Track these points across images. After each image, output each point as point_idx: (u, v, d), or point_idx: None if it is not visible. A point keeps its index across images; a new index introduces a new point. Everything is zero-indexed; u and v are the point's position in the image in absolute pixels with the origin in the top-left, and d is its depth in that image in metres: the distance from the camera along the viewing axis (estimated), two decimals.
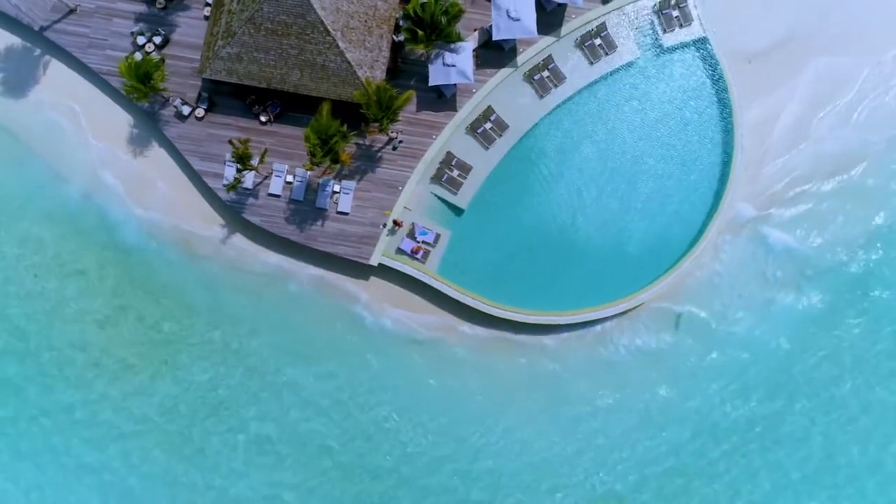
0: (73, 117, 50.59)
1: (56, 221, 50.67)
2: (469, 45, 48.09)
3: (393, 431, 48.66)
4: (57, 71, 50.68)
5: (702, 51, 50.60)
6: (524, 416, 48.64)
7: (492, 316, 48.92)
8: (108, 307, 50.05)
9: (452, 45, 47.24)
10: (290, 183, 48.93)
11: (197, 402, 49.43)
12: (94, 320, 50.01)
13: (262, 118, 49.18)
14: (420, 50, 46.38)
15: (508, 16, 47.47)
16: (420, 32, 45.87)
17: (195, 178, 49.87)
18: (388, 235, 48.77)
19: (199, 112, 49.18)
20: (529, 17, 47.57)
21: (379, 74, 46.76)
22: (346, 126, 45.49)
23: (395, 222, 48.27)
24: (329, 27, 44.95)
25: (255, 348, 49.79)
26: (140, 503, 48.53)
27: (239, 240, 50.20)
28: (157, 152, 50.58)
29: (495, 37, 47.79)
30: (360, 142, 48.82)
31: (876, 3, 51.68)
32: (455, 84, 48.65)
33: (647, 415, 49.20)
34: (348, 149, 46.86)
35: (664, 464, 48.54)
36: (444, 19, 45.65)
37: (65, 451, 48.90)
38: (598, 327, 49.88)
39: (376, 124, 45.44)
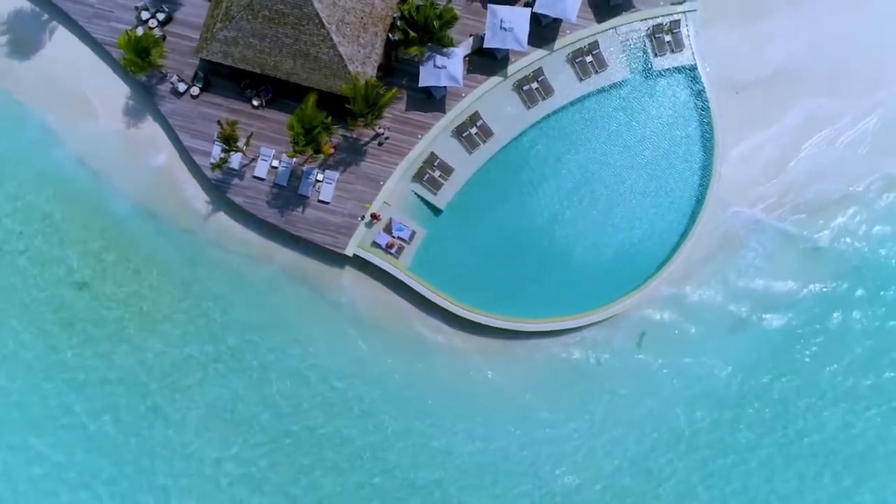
0: (74, 84, 51.92)
1: (48, 183, 51.99)
2: (461, 50, 49.14)
3: (349, 410, 49.95)
4: (61, 37, 52.02)
5: (691, 77, 51.43)
6: (475, 415, 49.65)
7: (458, 316, 49.96)
8: (89, 271, 51.37)
9: (444, 49, 48.29)
10: (275, 168, 50.15)
11: (162, 369, 50.56)
12: (73, 282, 51.37)
13: (255, 102, 50.43)
14: (413, 51, 47.39)
15: (502, 26, 48.49)
16: (413, 34, 46.94)
17: (184, 154, 51.18)
18: (365, 227, 49.89)
19: (195, 90, 50.47)
20: (522, 29, 48.55)
21: (370, 71, 47.89)
22: (330, 118, 46.66)
23: (373, 215, 49.42)
24: (324, 20, 46.09)
25: (226, 323, 50.97)
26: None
27: (221, 218, 51.48)
28: (151, 126, 51.92)
29: (486, 45, 48.84)
30: (347, 134, 49.97)
31: (869, 49, 52.13)
32: (445, 87, 49.67)
33: (597, 426, 50.20)
34: (331, 140, 47.98)
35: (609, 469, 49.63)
36: (437, 23, 46.71)
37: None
38: (562, 338, 50.74)
39: (361, 119, 46.49)
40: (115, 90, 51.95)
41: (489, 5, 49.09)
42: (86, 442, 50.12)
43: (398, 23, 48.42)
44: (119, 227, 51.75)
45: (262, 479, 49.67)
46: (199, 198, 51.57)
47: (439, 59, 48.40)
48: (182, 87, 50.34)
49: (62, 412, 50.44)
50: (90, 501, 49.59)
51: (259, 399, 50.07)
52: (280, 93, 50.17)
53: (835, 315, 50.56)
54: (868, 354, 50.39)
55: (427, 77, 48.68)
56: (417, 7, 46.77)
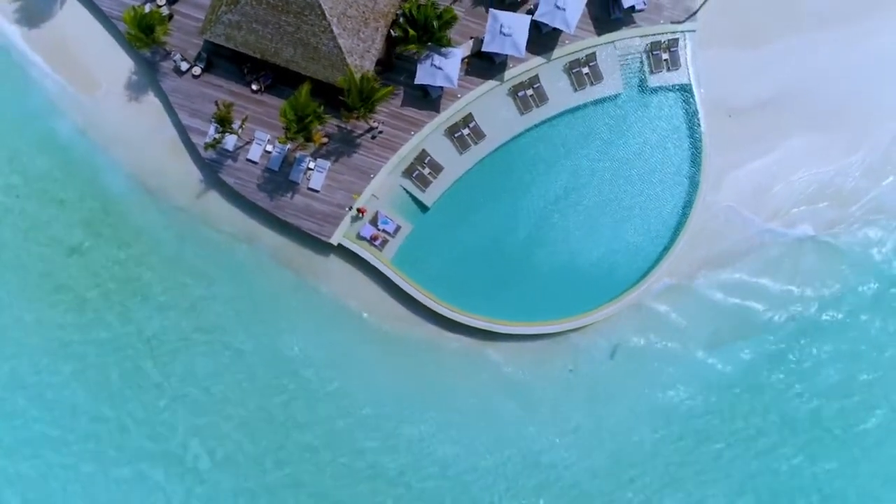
0: (80, 54, 52.96)
1: (47, 150, 53.11)
2: (459, 51, 49.88)
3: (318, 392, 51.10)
4: (71, 8, 53.06)
5: (684, 96, 52.03)
6: (440, 411, 50.66)
7: (437, 313, 50.75)
8: (79, 239, 52.44)
9: (443, 50, 49.05)
10: (268, 152, 51.07)
11: (142, 337, 51.64)
12: (63, 248, 52.47)
13: (254, 86, 51.34)
14: (411, 49, 48.17)
15: (501, 31, 49.21)
16: (412, 32, 47.72)
17: (182, 131, 52.15)
18: (351, 220, 50.69)
19: (196, 70, 51.42)
20: (521, 35, 49.25)
21: (368, 65, 48.70)
22: (323, 108, 47.53)
23: (359, 210, 50.23)
24: (326, 12, 46.93)
25: (209, 300, 51.95)
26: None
27: (213, 197, 52.42)
28: (151, 101, 52.90)
29: (484, 48, 49.59)
30: (342, 125, 50.82)
31: (863, 87, 52.58)
32: (441, 86, 50.42)
33: (566, 431, 50.96)
34: (323, 129, 48.85)
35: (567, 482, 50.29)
36: (436, 23, 47.47)
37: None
38: (538, 342, 51.45)
39: (355, 112, 47.31)
40: (119, 64, 52.95)
41: (490, 10, 49.82)
42: (65, 399, 51.28)
43: (399, 20, 49.15)
44: (113, 197, 52.81)
45: (233, 450, 50.63)
46: (192, 176, 52.53)
47: (437, 59, 49.17)
48: (185, 65, 51.31)
49: (44, 369, 51.62)
50: (68, 456, 50.71)
51: (232, 374, 50.99)
52: (279, 79, 51.06)
53: (805, 340, 51.16)
54: (839, 378, 51.05)
55: (423, 75, 49.46)
56: (419, 6, 47.48)
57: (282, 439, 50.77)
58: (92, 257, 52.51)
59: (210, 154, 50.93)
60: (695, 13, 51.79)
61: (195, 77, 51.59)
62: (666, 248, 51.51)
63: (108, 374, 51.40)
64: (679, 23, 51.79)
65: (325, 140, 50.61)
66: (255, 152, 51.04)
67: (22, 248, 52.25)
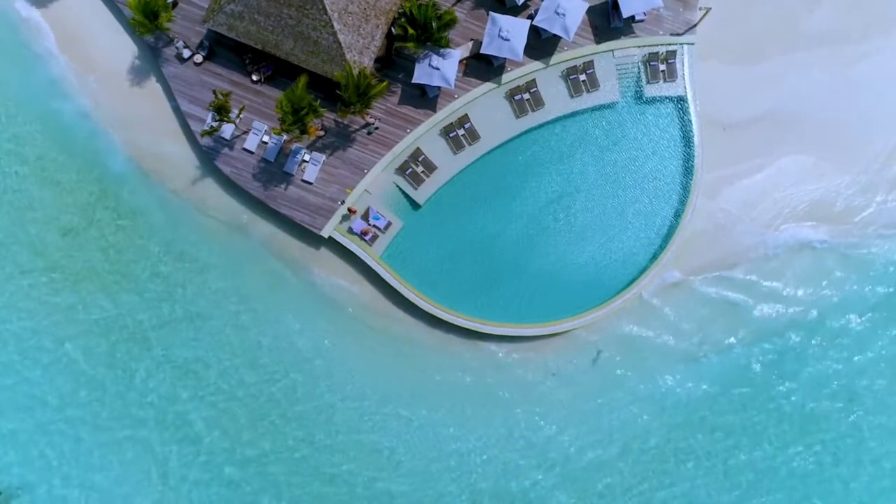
0: (85, 37, 53.53)
1: (49, 129, 53.60)
2: (457, 53, 50.39)
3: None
4: None
5: (680, 108, 52.46)
6: (416, 404, 51.47)
7: (422, 310, 51.29)
8: (75, 220, 53.06)
9: (441, 50, 49.56)
10: (265, 143, 51.64)
11: (134, 318, 52.33)
12: (58, 227, 53.11)
13: (254, 77, 51.93)
14: (409, 48, 48.69)
15: (500, 34, 49.69)
16: (411, 31, 48.24)
17: (181, 118, 52.74)
18: (342, 217, 51.17)
19: (198, 58, 52.03)
20: (519, 40, 49.72)
21: (366, 61, 49.24)
22: (319, 101, 48.09)
23: (349, 209, 50.72)
24: (327, 6, 47.48)
25: (200, 286, 52.55)
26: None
27: (208, 185, 52.98)
28: (153, 87, 53.45)
29: (483, 50, 50.06)
30: (339, 120, 51.36)
31: (858, 110, 52.96)
32: (439, 86, 50.93)
33: (539, 437, 51.49)
34: (318, 123, 49.43)
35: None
36: (435, 24, 47.97)
37: None
38: (521, 344, 51.94)
39: (350, 107, 47.85)
40: (123, 48, 53.44)
41: (490, 13, 50.33)
42: (52, 365, 52.15)
43: (400, 18, 49.66)
44: (110, 180, 53.36)
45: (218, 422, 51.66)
46: (189, 162, 53.13)
47: (435, 59, 49.68)
48: (187, 53, 51.92)
49: (35, 339, 52.47)
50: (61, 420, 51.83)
51: (216, 356, 51.92)
52: (279, 71, 51.63)
53: (783, 363, 51.75)
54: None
55: (421, 75, 49.97)
56: (419, 6, 48.00)
57: (262, 414, 51.70)
58: (86, 238, 53.11)
59: (207, 141, 51.52)
60: (694, 26, 52.20)
61: (197, 65, 52.20)
62: (655, 256, 51.91)
63: (97, 350, 52.06)
64: (678, 35, 52.19)
65: (321, 133, 51.15)
66: (251, 142, 51.62)
67: (17, 226, 52.85)
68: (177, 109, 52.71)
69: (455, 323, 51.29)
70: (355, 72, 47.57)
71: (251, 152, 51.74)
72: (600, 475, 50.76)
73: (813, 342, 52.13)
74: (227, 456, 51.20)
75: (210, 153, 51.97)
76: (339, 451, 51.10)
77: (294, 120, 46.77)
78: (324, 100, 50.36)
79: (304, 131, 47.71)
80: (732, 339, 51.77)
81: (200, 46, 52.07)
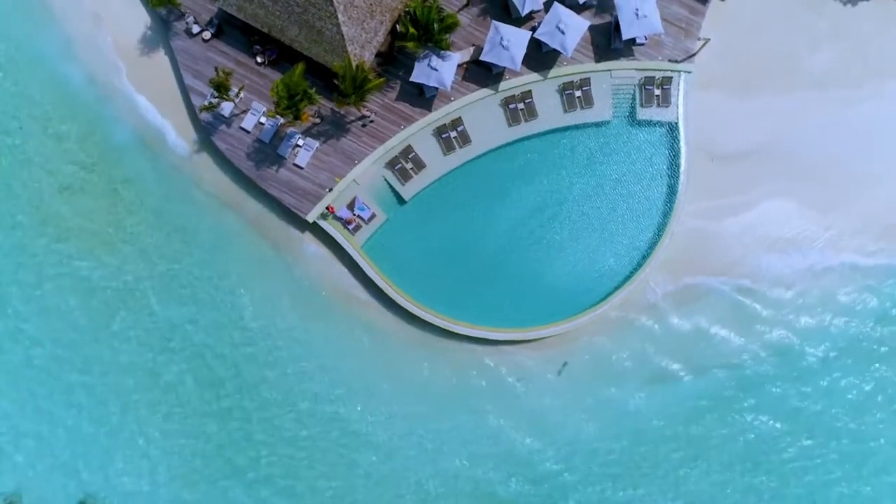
0: (98, 5, 54.99)
1: (56, 88, 55.18)
2: (457, 56, 51.41)
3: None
4: None
5: (670, 134, 53.16)
6: (367, 394, 52.93)
7: (395, 303, 52.41)
8: (72, 179, 54.62)
9: (441, 52, 50.60)
10: (262, 124, 52.91)
11: (119, 283, 53.97)
12: (56, 183, 54.68)
13: (259, 59, 53.21)
14: (409, 46, 49.77)
15: (501, 43, 50.66)
16: (412, 31, 49.31)
17: (184, 91, 54.12)
18: (323, 208, 52.32)
19: (206, 35, 53.38)
20: (518, 50, 50.66)
21: (367, 55, 50.37)
22: (315, 89, 49.32)
23: (328, 208, 51.87)
24: None
25: (184, 256, 54.00)
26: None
27: (203, 159, 54.36)
28: (161, 58, 54.89)
29: (482, 57, 51.06)
30: (336, 110, 52.51)
31: (849, 155, 53.32)
32: (436, 87, 51.97)
33: (500, 441, 52.48)
34: (312, 110, 50.64)
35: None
36: (437, 26, 49.01)
37: None
38: (491, 347, 52.93)
39: (346, 98, 49.01)
40: (136, 17, 54.89)
41: (493, 21, 51.29)
42: (38, 310, 54.35)
43: (405, 17, 50.71)
44: (110, 145, 54.93)
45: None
46: (187, 135, 54.54)
47: (434, 61, 50.73)
48: (196, 28, 53.27)
49: (27, 282, 54.49)
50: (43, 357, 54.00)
51: (192, 315, 53.68)
52: (284, 56, 52.85)
53: (745, 392, 52.39)
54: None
55: (419, 74, 51.04)
56: (423, 7, 49.01)
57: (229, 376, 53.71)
58: (81, 197, 54.71)
59: (206, 117, 52.85)
60: (693, 55, 52.93)
61: (205, 41, 53.54)
62: (629, 276, 52.66)
63: (81, 301, 53.99)
64: (676, 62, 52.94)
65: (317, 120, 52.39)
66: (249, 122, 52.90)
67: (16, 178, 54.48)
68: (181, 82, 54.07)
69: (427, 319, 52.37)
70: (354, 64, 48.63)
71: (248, 132, 53.02)
72: (551, 479, 51.65)
73: (776, 371, 52.67)
74: (195, 408, 53.02)
75: (208, 128, 53.30)
76: (296, 420, 52.89)
77: (288, 105, 47.99)
78: (323, 88, 51.57)
79: (297, 117, 48.93)
80: (693, 364, 52.42)
81: (210, 24, 53.40)
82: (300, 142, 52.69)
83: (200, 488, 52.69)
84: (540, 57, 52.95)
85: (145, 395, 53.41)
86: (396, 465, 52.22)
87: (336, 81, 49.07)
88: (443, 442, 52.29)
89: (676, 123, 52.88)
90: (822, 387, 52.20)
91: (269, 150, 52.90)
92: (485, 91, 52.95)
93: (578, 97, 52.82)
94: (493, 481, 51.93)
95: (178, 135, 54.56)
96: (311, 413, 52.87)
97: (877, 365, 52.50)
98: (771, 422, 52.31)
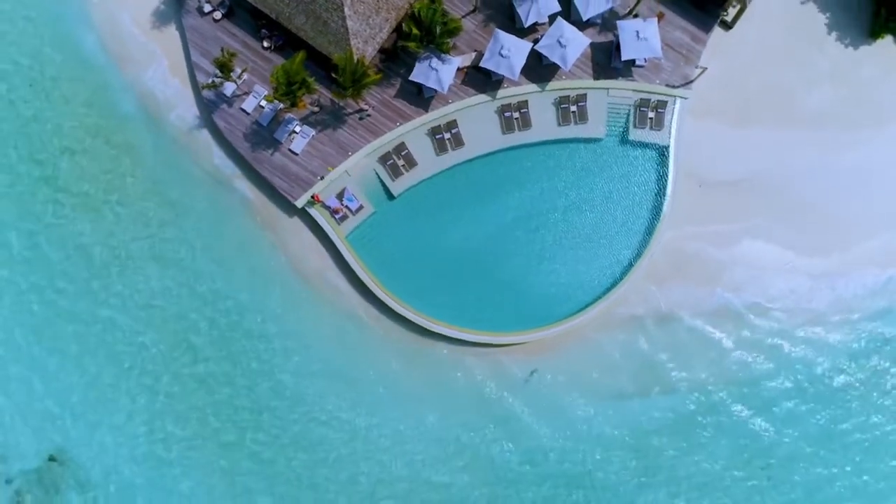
0: None
1: (68, 52, 56.51)
2: (457, 60, 52.36)
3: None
4: None
5: (660, 157, 53.86)
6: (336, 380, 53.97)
7: (375, 296, 53.44)
8: (74, 141, 56.01)
9: (442, 55, 51.55)
10: (262, 107, 54.08)
11: (108, 247, 55.28)
12: (60, 144, 56.09)
13: (265, 43, 54.38)
14: (410, 46, 50.75)
15: (501, 51, 51.56)
16: (415, 31, 50.29)
17: (190, 68, 55.40)
18: (308, 198, 53.50)
19: (217, 15, 54.61)
20: (518, 60, 51.54)
21: (370, 51, 51.41)
22: (314, 78, 50.42)
23: (313, 196, 52.93)
24: None
25: (173, 227, 55.24)
26: None
27: (202, 135, 55.52)
28: (171, 34, 56.18)
29: (482, 63, 51.98)
30: (336, 101, 53.58)
31: (838, 198, 53.86)
32: (434, 88, 52.94)
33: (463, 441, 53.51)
34: (309, 98, 51.76)
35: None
36: (439, 29, 49.96)
37: None
38: (460, 347, 53.85)
39: (343, 90, 50.07)
40: None
41: (496, 30, 52.19)
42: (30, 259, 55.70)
43: (410, 17, 51.70)
44: (115, 113, 56.25)
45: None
46: (189, 112, 55.78)
47: (435, 62, 51.70)
48: (207, 7, 54.53)
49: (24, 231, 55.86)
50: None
51: (175, 282, 55.01)
52: (290, 43, 53.98)
53: (708, 418, 53.07)
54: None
55: (418, 73, 52.05)
56: (428, 8, 49.95)
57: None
58: (80, 161, 56.00)
59: (209, 94, 54.09)
60: (690, 82, 53.62)
61: (215, 21, 54.76)
62: (608, 290, 53.41)
63: (72, 254, 55.37)
64: (673, 87, 53.64)
65: (315, 109, 53.52)
66: (250, 104, 54.09)
67: (20, 134, 55.94)
68: (188, 59, 55.34)
69: (402, 314, 53.37)
70: (355, 58, 49.66)
71: (247, 113, 54.21)
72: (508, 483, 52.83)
73: (738, 404, 53.36)
74: (172, 370, 54.46)
75: (210, 106, 54.55)
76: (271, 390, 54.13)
77: (286, 91, 49.11)
78: (324, 78, 52.66)
79: (293, 104, 50.07)
80: (658, 387, 53.15)
81: (221, 4, 54.64)
82: (297, 128, 53.80)
83: (174, 449, 53.77)
84: (540, 69, 53.80)
85: (126, 348, 54.61)
86: (358, 447, 53.22)
87: (333, 74, 50.07)
88: (403, 436, 53.27)
89: (667, 148, 53.58)
90: (781, 416, 52.67)
91: (266, 134, 54.06)
92: (482, 97, 53.86)
93: (573, 112, 53.60)
94: (462, 485, 52.69)
95: (180, 109, 55.82)
96: (286, 385, 53.99)
97: (845, 396, 53.07)
98: (726, 442, 52.89)
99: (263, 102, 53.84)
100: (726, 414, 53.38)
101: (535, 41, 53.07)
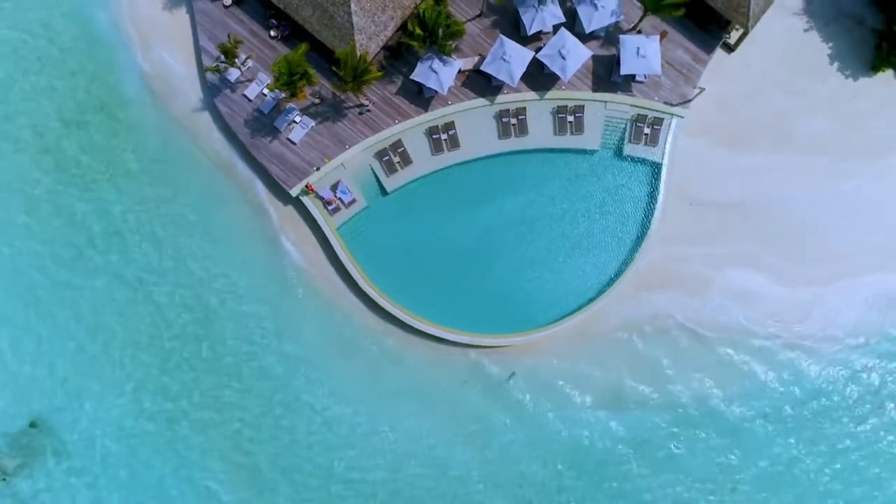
0: None
1: (80, 30, 57.29)
2: (458, 63, 53.01)
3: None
4: None
5: (653, 173, 54.39)
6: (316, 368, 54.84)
7: (361, 289, 54.15)
8: (78, 115, 56.85)
9: (444, 57, 52.20)
10: (264, 94, 54.81)
11: (103, 222, 56.12)
12: (61, 118, 56.94)
13: (272, 33, 55.12)
14: (413, 45, 51.42)
15: (502, 57, 52.16)
16: (418, 31, 50.95)
17: (197, 51, 56.19)
18: (302, 187, 54.26)
19: (227, 1, 55.36)
20: (518, 67, 52.14)
21: (373, 47, 52.10)
22: (316, 70, 51.14)
23: (307, 186, 53.65)
24: None
25: (168, 206, 55.99)
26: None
27: (204, 118, 56.25)
28: (182, 17, 56.91)
29: (483, 67, 52.60)
30: (337, 94, 54.30)
31: (827, 226, 54.59)
32: (434, 89, 53.58)
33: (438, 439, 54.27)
34: (310, 89, 52.52)
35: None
36: (441, 31, 50.59)
37: None
38: (441, 345, 54.53)
39: (344, 85, 50.79)
40: None
41: (500, 36, 52.77)
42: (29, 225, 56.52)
43: (415, 17, 52.35)
44: (120, 90, 57.01)
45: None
46: (193, 94, 56.54)
47: (436, 63, 52.34)
48: None
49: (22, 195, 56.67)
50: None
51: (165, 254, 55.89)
52: (297, 34, 54.66)
53: (679, 440, 53.86)
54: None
55: (420, 73, 52.70)
56: (433, 10, 50.59)
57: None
58: (83, 134, 56.80)
59: (213, 78, 54.85)
60: (688, 101, 54.12)
61: (225, 7, 55.51)
62: (591, 300, 54.07)
63: (67, 223, 56.21)
64: (671, 105, 54.16)
65: (316, 100, 54.28)
66: (252, 91, 54.85)
67: (25, 105, 56.77)
68: (195, 43, 56.11)
69: (386, 308, 54.08)
70: (357, 54, 50.36)
71: (249, 100, 54.97)
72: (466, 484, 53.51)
73: (711, 425, 54.04)
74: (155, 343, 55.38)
75: (213, 90, 55.32)
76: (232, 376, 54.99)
77: (286, 81, 49.83)
78: (328, 71, 53.34)
79: (293, 94, 50.79)
80: (635, 400, 53.73)
81: None
82: (297, 118, 54.54)
83: (159, 420, 54.55)
84: (541, 77, 54.39)
85: (117, 319, 55.40)
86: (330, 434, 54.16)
87: (334, 69, 50.76)
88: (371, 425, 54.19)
89: (660, 165, 54.11)
90: (755, 436, 53.28)
91: (267, 121, 54.82)
92: (481, 101, 54.48)
93: (570, 122, 54.19)
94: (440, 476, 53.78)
95: (184, 91, 56.58)
96: (272, 366, 54.81)
97: (823, 426, 53.84)
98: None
99: (266, 90, 54.57)
100: (700, 431, 53.90)
101: (538, 49, 53.60)
